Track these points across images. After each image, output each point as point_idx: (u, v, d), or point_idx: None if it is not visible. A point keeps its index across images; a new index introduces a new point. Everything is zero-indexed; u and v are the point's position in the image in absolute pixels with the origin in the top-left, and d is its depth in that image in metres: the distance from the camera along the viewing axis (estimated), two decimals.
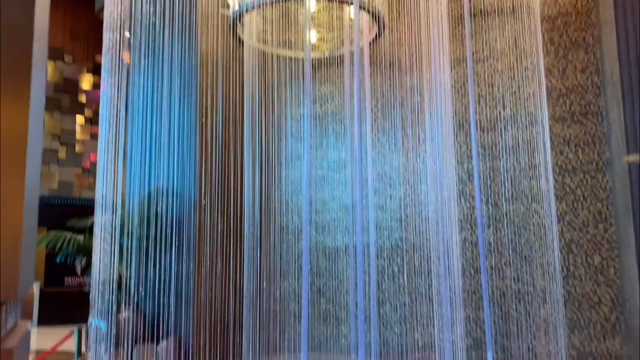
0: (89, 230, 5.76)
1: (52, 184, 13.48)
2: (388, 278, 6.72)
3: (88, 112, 14.34)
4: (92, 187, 13.44)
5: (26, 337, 1.04)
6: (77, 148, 14.07)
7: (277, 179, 7.21)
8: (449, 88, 5.74)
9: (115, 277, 4.58)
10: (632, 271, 4.94)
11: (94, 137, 13.80)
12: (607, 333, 5.65)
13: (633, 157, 4.47)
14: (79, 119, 14.24)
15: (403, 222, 6.71)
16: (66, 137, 13.95)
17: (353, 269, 6.35)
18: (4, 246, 1.09)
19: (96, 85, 14.27)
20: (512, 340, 6.00)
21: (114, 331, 4.57)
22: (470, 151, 6.23)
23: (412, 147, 6.59)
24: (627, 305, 5.34)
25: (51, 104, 13.68)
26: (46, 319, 11.61)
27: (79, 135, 14.15)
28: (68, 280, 13.04)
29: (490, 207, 6.31)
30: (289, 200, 7.25)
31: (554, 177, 5.93)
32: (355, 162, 5.55)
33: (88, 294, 4.48)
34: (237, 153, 6.36)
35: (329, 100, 7.37)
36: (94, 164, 13.50)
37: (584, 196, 5.92)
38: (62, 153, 13.81)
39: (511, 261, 6.14)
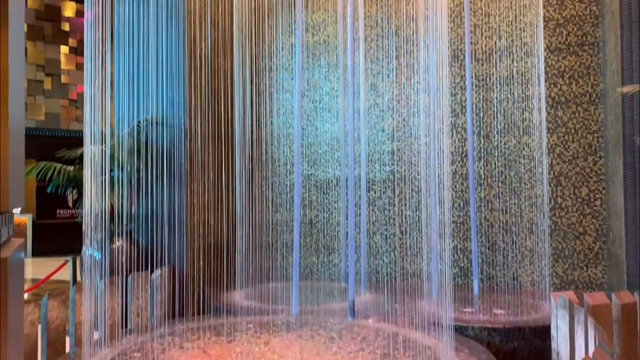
0: (78, 161, 5.71)
1: (38, 115, 13.25)
2: (378, 210, 6.80)
3: (72, 41, 13.88)
4: (80, 119, 13.27)
5: (19, 251, 1.03)
6: (63, 79, 13.74)
7: (268, 110, 7.12)
8: (444, 17, 5.59)
9: (107, 207, 4.58)
10: (618, 202, 5.03)
11: (80, 67, 13.45)
12: (590, 262, 5.82)
13: (627, 88, 4.43)
14: (63, 49, 13.80)
15: (395, 154, 6.72)
16: (51, 68, 13.57)
17: (344, 201, 6.42)
18: None
19: (80, 13, 13.76)
20: (498, 270, 6.18)
21: (107, 260, 4.63)
22: (464, 82, 6.16)
23: (406, 78, 6.49)
24: (611, 235, 5.48)
25: (33, 33, 13.21)
26: (40, 250, 11.77)
27: (64, 65, 13.76)
28: (60, 212, 13.12)
29: (481, 139, 6.31)
30: (280, 132, 7.20)
31: (546, 109, 5.91)
32: (347, 93, 5.48)
33: (80, 225, 4.50)
34: (227, 82, 6.24)
35: (321, 29, 7.17)
36: (81, 95, 13.24)
37: (575, 129, 5.92)
38: (47, 84, 13.49)
39: (500, 193, 6.22)
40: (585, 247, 5.84)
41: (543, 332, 4.33)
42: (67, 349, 4.23)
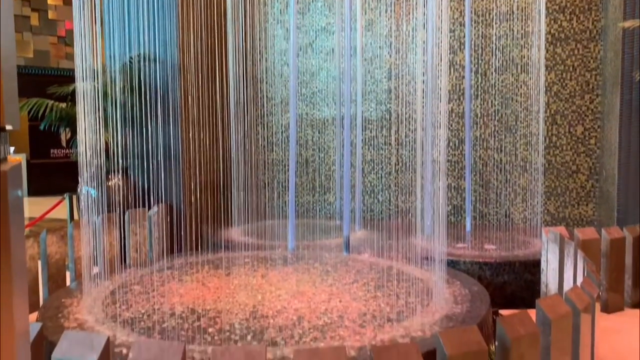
0: (70, 98, 5.62)
1: (27, 52, 12.92)
2: (374, 149, 6.81)
3: None
4: (70, 56, 12.97)
5: (17, 169, 1.03)
6: (50, 14, 13.31)
7: (262, 47, 6.97)
8: None
9: (102, 145, 4.55)
10: (613, 140, 5.04)
11: (68, 2, 13.00)
12: (582, 200, 5.91)
13: (629, 23, 4.35)
14: None
15: (391, 92, 6.65)
16: (37, 2, 13.12)
17: (339, 140, 6.40)
18: None
19: None
20: (491, 207, 6.26)
21: (104, 197, 4.64)
22: (463, 18, 6.02)
23: (404, 14, 6.33)
24: (603, 173, 5.53)
25: None
26: (35, 190, 11.79)
27: (50, 0, 13.31)
28: (54, 152, 13.05)
29: (479, 77, 6.24)
30: (275, 70, 7.08)
31: (545, 46, 5.82)
32: (343, 29, 5.35)
33: (75, 164, 4.49)
34: (220, 18, 6.06)
35: None
36: (69, 32, 12.88)
37: (573, 66, 5.86)
38: (34, 20, 13.08)
39: (495, 132, 6.22)
40: (577, 185, 5.91)
41: (533, 267, 4.44)
42: (68, 283, 4.32)
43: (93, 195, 4.42)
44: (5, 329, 1.03)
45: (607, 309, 4.16)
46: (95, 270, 4.03)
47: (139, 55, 5.54)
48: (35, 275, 4.29)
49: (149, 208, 5.15)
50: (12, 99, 1.11)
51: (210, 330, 2.92)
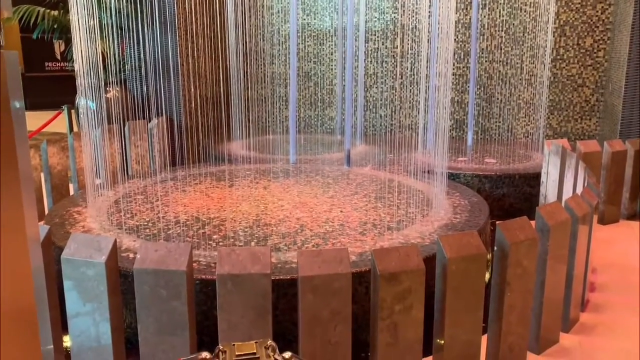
0: (62, 5, 5.40)
1: None
2: (377, 62, 6.65)
3: None
4: None
5: (14, 57, 0.99)
6: None
7: None
8: None
9: (99, 55, 4.42)
10: (623, 52, 4.91)
11: None
12: (585, 114, 5.85)
13: None
14: None
15: (396, 1, 6.39)
16: None
17: (341, 52, 6.24)
18: None
19: None
20: (493, 122, 6.21)
21: (103, 109, 4.58)
22: None
23: None
24: (609, 86, 5.43)
25: None
26: (31, 104, 11.64)
27: None
28: (49, 65, 12.76)
29: None
30: None
31: None
32: None
33: (70, 77, 4.38)
34: None
35: None
36: None
37: None
38: None
39: (502, 44, 6.04)
40: (582, 99, 5.83)
41: (532, 179, 4.48)
42: (72, 193, 4.36)
43: (92, 107, 4.36)
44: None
45: (603, 220, 4.24)
46: (98, 181, 4.06)
47: None
48: (38, 186, 4.32)
49: (149, 121, 5.10)
50: None
51: (214, 237, 2.98)
